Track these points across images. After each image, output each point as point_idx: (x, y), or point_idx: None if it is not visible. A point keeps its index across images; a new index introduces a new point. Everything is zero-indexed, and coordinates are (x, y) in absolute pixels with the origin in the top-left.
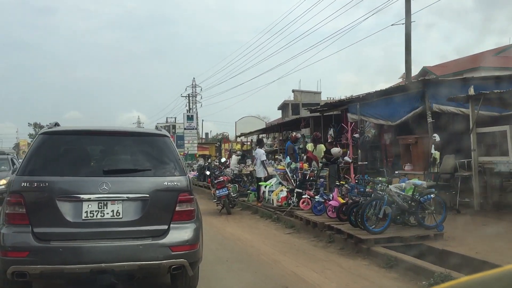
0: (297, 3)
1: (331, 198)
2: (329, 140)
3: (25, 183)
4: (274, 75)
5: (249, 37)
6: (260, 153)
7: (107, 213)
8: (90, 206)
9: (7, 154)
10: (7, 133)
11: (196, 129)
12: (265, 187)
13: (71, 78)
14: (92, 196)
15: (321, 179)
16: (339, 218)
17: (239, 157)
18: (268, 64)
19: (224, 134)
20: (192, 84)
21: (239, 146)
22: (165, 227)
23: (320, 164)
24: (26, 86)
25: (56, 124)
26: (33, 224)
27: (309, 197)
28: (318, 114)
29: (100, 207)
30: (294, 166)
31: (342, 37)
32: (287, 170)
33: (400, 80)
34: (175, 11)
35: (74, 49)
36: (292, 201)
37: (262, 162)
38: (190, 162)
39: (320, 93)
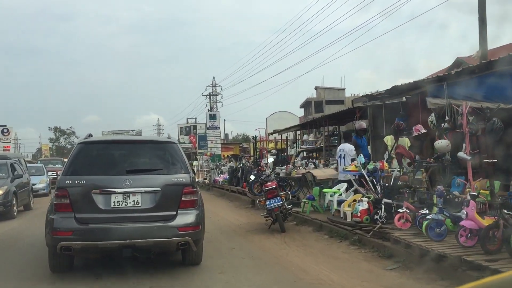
0: (312, 2)
1: (463, 216)
2: (421, 131)
3: (69, 181)
4: (292, 74)
5: (265, 37)
6: (348, 148)
7: (130, 203)
8: (116, 197)
9: (8, 159)
10: (28, 138)
11: (219, 128)
12: (331, 195)
13: (90, 83)
14: (118, 190)
15: (438, 187)
16: (485, 249)
17: (274, 156)
18: (286, 63)
19: (259, 130)
20: (212, 84)
21: (272, 144)
22: (174, 213)
23: (417, 164)
24: (46, 92)
25: (90, 135)
26: (75, 211)
27: (408, 211)
28: (378, 102)
29: (124, 198)
30: (372, 166)
31: (363, 33)
32: (363, 172)
33: (476, 57)
34: (191, 15)
35: (92, 54)
36: (380, 216)
37: (353, 161)
38: (218, 163)
39: (344, 89)
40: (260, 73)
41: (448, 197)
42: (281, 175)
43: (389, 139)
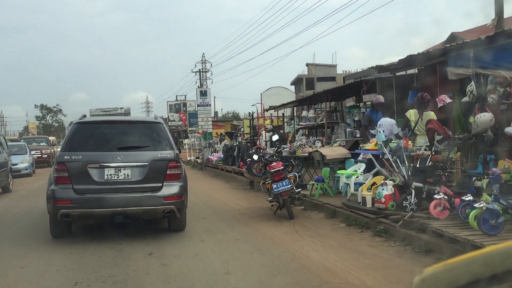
0: None
1: None
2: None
3: (67, 156)
4: (283, 50)
5: (255, 13)
6: (389, 123)
7: (121, 176)
8: (109, 171)
9: None
10: (15, 116)
11: (210, 105)
12: (347, 177)
13: (78, 61)
14: (111, 164)
15: (494, 170)
16: None
17: (276, 136)
18: (276, 40)
19: (256, 106)
20: (202, 60)
21: (268, 121)
22: (160, 184)
23: (455, 141)
24: (33, 69)
25: (84, 116)
26: (73, 183)
27: (446, 197)
28: (388, 74)
29: (116, 171)
30: (395, 144)
31: (355, 9)
32: (385, 152)
33: (491, 26)
34: None
35: (81, 31)
36: (409, 203)
37: (396, 136)
38: (211, 141)
39: (335, 66)
40: (250, 50)
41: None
42: (284, 154)
43: (412, 114)
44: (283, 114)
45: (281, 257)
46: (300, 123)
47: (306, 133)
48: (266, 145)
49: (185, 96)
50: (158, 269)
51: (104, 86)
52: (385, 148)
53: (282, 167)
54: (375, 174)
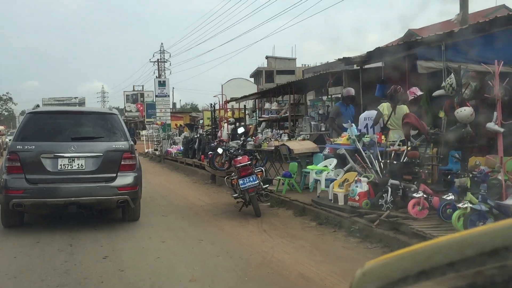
0: None
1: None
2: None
3: (19, 146)
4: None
5: (214, 4)
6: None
7: (75, 166)
8: (63, 161)
9: None
10: None
11: (168, 96)
12: (317, 173)
13: (30, 48)
14: (64, 155)
15: (482, 168)
16: None
17: (241, 128)
18: (236, 32)
19: (218, 97)
20: (160, 50)
21: (230, 113)
22: (114, 175)
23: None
24: None
25: (37, 106)
26: (26, 172)
27: (425, 195)
28: (356, 67)
29: (69, 161)
30: (368, 139)
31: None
32: (359, 146)
33: (456, 21)
34: None
35: (35, 18)
36: (385, 201)
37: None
38: (170, 133)
39: (295, 59)
40: (210, 41)
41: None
42: (248, 147)
43: (385, 107)
44: (244, 106)
45: (251, 261)
46: (262, 116)
47: (270, 126)
48: (228, 137)
49: (143, 86)
50: (114, 276)
51: (58, 75)
52: (358, 142)
53: (249, 162)
54: (348, 171)
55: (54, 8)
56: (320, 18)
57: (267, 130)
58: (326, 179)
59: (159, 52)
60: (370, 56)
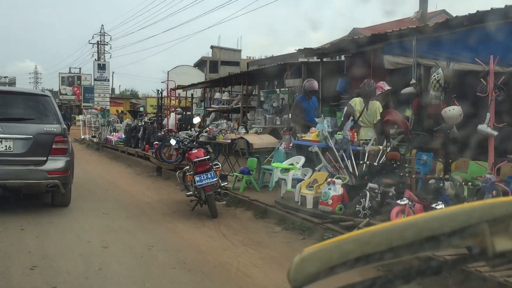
0: None
1: None
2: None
3: None
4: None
5: None
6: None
7: (2, 148)
8: None
9: None
10: None
11: (108, 80)
12: (282, 171)
13: None
14: None
15: (488, 176)
16: None
17: (180, 116)
18: (179, 19)
19: (166, 82)
20: (100, 32)
21: (175, 102)
22: (44, 158)
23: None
24: None
25: None
26: None
27: (410, 202)
28: (316, 59)
29: None
30: (340, 136)
31: None
32: (331, 144)
33: (415, 19)
34: None
35: None
36: (363, 207)
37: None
38: (110, 120)
39: (240, 51)
40: (153, 27)
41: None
42: (201, 139)
43: (357, 103)
44: (192, 94)
45: (214, 276)
46: (211, 106)
47: (220, 116)
48: (176, 127)
49: (80, 69)
50: None
51: None
52: (330, 140)
53: (207, 157)
54: (317, 170)
55: None
56: (266, 11)
57: (222, 121)
58: (292, 179)
59: (99, 34)
60: (333, 48)
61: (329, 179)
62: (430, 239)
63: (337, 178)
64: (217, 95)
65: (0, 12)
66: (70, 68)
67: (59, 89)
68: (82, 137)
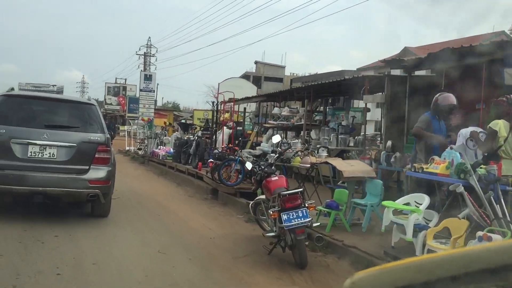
0: None
1: None
2: None
3: None
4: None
5: (203, 4)
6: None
7: (46, 154)
8: (33, 148)
9: None
10: None
11: (154, 91)
12: (398, 213)
13: (9, 31)
14: (36, 142)
15: None
16: None
17: (231, 130)
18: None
19: (223, 94)
20: (147, 44)
21: (227, 115)
22: (87, 167)
23: None
24: None
25: (12, 89)
26: None
27: None
28: (399, 72)
29: (41, 149)
30: (482, 171)
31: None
32: (473, 182)
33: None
34: None
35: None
36: None
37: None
38: (158, 132)
39: (284, 67)
40: (197, 40)
41: None
42: (270, 160)
43: (501, 126)
44: (244, 108)
45: None
46: (269, 122)
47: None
48: (229, 143)
49: (125, 80)
50: None
51: (37, 60)
52: (473, 175)
53: (300, 189)
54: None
55: None
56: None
57: (296, 140)
58: (415, 225)
59: (145, 46)
60: (430, 59)
61: (481, 233)
62: (495, 271)
63: (489, 230)
64: (275, 110)
65: (50, 23)
66: (116, 78)
67: (105, 99)
68: (127, 148)
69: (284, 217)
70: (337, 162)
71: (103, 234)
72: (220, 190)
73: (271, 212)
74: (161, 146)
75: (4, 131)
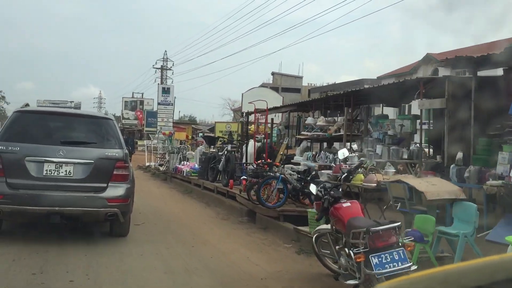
0: None
1: None
2: None
3: (2, 147)
4: (245, 58)
5: (216, 19)
6: None
7: (62, 172)
8: (49, 166)
9: None
10: None
11: (172, 104)
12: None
13: (27, 48)
14: (51, 159)
15: None
16: None
17: (260, 144)
18: (239, 45)
19: (254, 103)
20: (164, 58)
21: (253, 127)
22: (105, 185)
23: None
24: None
25: (27, 105)
26: (7, 176)
27: None
28: (467, 74)
29: (56, 167)
30: None
31: (329, 26)
32: None
33: None
34: None
35: (33, 17)
36: None
37: None
38: (181, 146)
39: (301, 78)
40: (213, 53)
41: None
42: (322, 178)
43: None
44: (272, 119)
45: None
46: (302, 133)
47: (310, 147)
48: (255, 157)
49: (142, 94)
50: None
51: (54, 78)
52: None
53: (397, 223)
54: None
55: (55, 10)
56: (324, 39)
57: (353, 154)
58: None
59: (162, 59)
60: (503, 54)
61: None
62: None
63: None
64: (309, 119)
65: (66, 40)
66: (133, 93)
67: (122, 114)
68: (147, 164)
69: (375, 260)
70: (414, 181)
71: (130, 274)
72: (258, 212)
73: (352, 253)
74: (185, 162)
75: (18, 148)
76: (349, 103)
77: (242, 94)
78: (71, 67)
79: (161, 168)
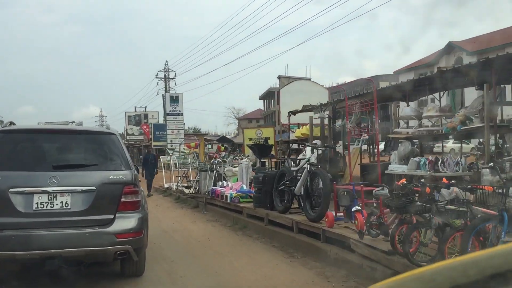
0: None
1: None
2: None
3: None
4: (248, 63)
5: (209, 30)
6: None
7: (57, 204)
8: (40, 198)
9: None
10: None
11: (182, 114)
12: None
13: (25, 73)
14: (43, 189)
15: None
16: None
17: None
18: (241, 51)
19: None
20: (165, 68)
21: (304, 129)
22: (111, 216)
23: None
24: None
25: (11, 123)
26: None
27: None
28: None
29: (50, 199)
30: None
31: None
32: None
33: None
34: (136, 6)
35: (30, 42)
36: None
37: None
38: (214, 161)
39: (309, 79)
40: (213, 60)
41: None
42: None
43: None
44: (311, 118)
45: None
46: (394, 131)
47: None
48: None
49: (145, 107)
50: None
51: (53, 100)
52: None
53: None
54: None
55: (52, 34)
56: (326, 41)
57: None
58: None
59: (163, 70)
60: None
61: None
62: (496, 277)
63: None
64: (406, 110)
65: (62, 61)
66: (135, 107)
67: (125, 129)
68: (166, 185)
69: None
70: None
71: None
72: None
73: None
74: (225, 183)
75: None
76: (490, 79)
77: (279, 90)
78: (70, 89)
79: (187, 191)
